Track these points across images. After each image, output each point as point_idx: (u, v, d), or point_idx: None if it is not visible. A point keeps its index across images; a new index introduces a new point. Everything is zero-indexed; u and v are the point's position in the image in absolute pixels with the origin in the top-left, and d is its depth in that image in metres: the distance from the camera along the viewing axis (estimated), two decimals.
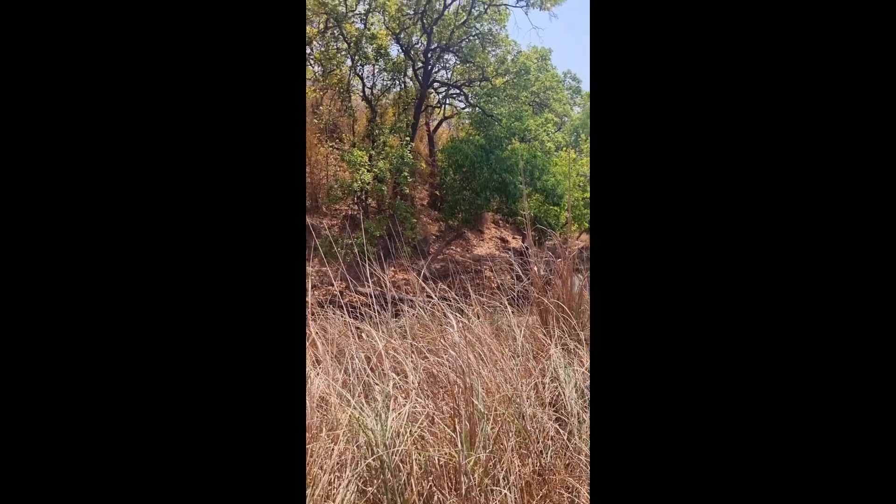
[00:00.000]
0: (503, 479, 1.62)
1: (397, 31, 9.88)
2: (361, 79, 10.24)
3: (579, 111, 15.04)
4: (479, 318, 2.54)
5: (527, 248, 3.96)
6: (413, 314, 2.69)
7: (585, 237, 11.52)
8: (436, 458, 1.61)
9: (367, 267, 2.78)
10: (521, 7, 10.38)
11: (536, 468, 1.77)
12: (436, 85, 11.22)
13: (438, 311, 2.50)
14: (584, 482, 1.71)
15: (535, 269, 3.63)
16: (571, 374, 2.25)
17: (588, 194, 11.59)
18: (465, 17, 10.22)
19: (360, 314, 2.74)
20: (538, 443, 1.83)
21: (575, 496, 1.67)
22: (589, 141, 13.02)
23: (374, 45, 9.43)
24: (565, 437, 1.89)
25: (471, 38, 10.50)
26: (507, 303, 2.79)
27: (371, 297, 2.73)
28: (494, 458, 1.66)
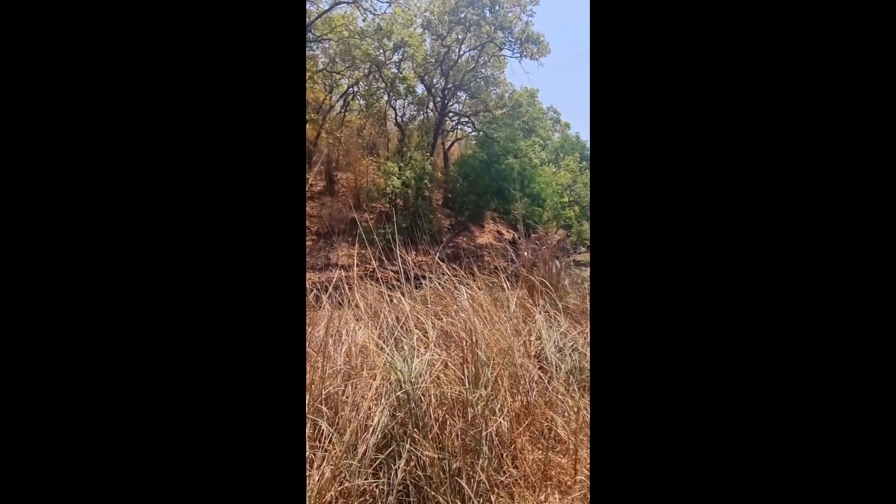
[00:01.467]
0: (499, 410, 1.59)
1: (423, 74, 9.76)
2: (395, 109, 10.19)
3: (558, 136, 14.77)
4: (481, 290, 2.50)
5: (518, 239, 3.89)
6: (431, 287, 2.66)
7: (562, 231, 11.39)
8: (448, 394, 1.59)
9: (396, 250, 2.75)
10: (516, 57, 10.19)
11: (524, 403, 1.74)
12: (450, 115, 11.08)
13: (450, 284, 2.46)
14: (560, 415, 1.68)
15: (525, 254, 3.57)
16: (551, 334, 2.21)
17: (564, 199, 11.43)
18: (473, 65, 10.07)
19: (391, 286, 2.72)
20: (525, 384, 1.81)
21: (553, 424, 1.64)
22: (566, 159, 12.80)
23: (405, 85, 9.35)
24: (546, 381, 1.86)
25: (477, 80, 10.35)
26: (503, 279, 2.75)
27: (400, 272, 2.70)
28: (493, 394, 1.64)
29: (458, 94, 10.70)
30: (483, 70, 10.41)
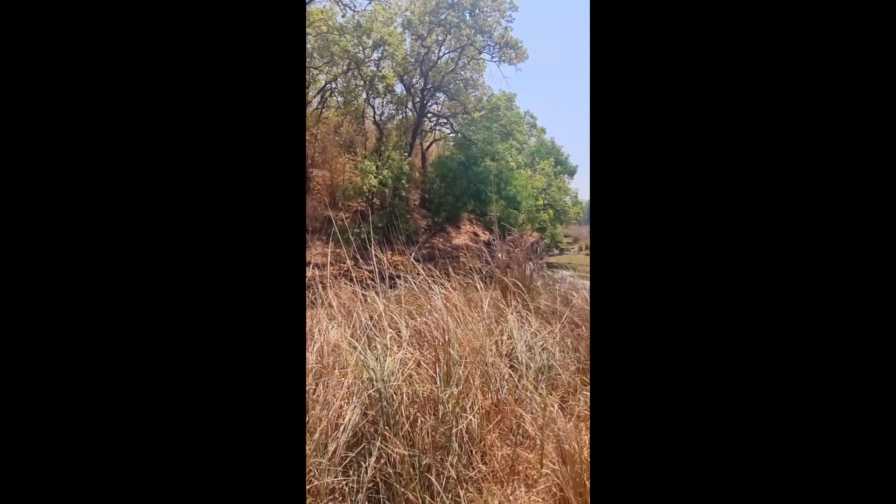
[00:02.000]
0: (470, 407, 1.63)
1: (402, 74, 9.74)
2: (373, 108, 10.12)
3: (535, 141, 15.10)
4: (455, 291, 2.53)
5: (493, 241, 3.95)
6: (406, 286, 2.67)
7: (536, 234, 11.65)
8: (420, 392, 1.61)
9: (372, 250, 2.74)
10: (495, 62, 10.34)
11: (494, 401, 1.78)
12: (429, 115, 11.11)
13: (425, 284, 2.48)
14: (528, 411, 1.73)
15: (499, 256, 3.64)
16: (522, 333, 2.27)
17: (539, 202, 11.69)
18: (453, 66, 10.14)
19: (366, 285, 2.70)
20: (496, 382, 1.85)
21: (521, 421, 1.69)
22: (541, 164, 13.08)
23: (384, 84, 9.30)
24: (516, 379, 1.91)
25: (457, 81, 10.43)
26: (477, 280, 2.79)
27: (375, 272, 2.69)
28: (464, 392, 1.67)
29: (437, 95, 10.75)
30: (462, 72, 10.50)
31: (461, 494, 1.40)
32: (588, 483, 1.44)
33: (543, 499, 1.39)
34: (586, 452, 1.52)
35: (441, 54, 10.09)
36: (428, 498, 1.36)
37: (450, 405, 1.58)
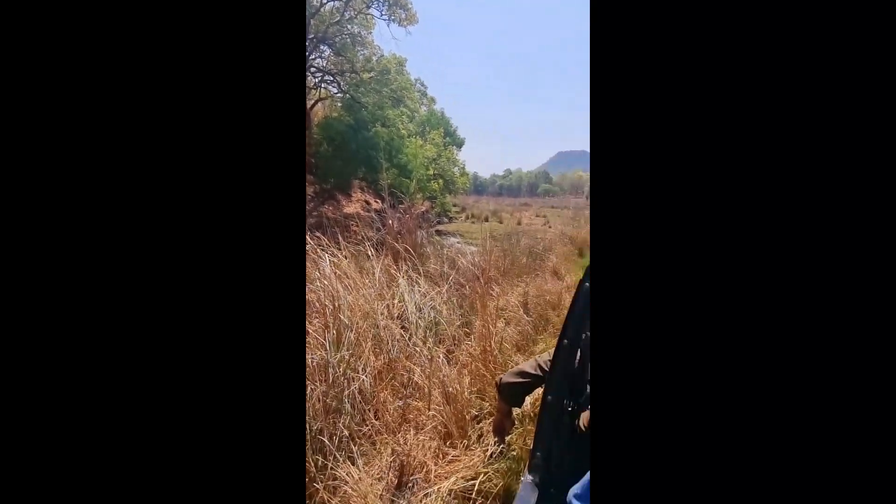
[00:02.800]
0: (362, 369, 1.66)
1: None
2: None
3: (425, 110, 15.08)
4: (346, 259, 2.47)
5: (385, 209, 3.93)
6: None
7: (427, 203, 11.89)
8: (310, 360, 1.57)
9: None
10: (384, 20, 9.78)
11: (386, 361, 1.85)
12: (313, 70, 10.05)
13: (313, 253, 2.36)
14: (418, 365, 1.86)
15: (391, 223, 3.65)
16: (413, 295, 2.37)
17: (430, 172, 11.88)
18: (338, 17, 9.26)
19: None
20: (388, 343, 1.92)
21: (412, 374, 1.80)
22: (431, 133, 13.21)
23: None
24: (407, 338, 2.01)
25: (343, 35, 9.60)
26: (368, 247, 2.77)
27: None
28: (355, 356, 1.69)
29: (322, 48, 9.76)
30: (349, 26, 9.69)
31: (355, 450, 1.46)
32: (468, 417, 1.64)
33: (431, 437, 1.53)
34: (467, 393, 1.72)
35: (324, 1, 9.08)
36: (321, 458, 1.38)
37: (341, 368, 1.58)
